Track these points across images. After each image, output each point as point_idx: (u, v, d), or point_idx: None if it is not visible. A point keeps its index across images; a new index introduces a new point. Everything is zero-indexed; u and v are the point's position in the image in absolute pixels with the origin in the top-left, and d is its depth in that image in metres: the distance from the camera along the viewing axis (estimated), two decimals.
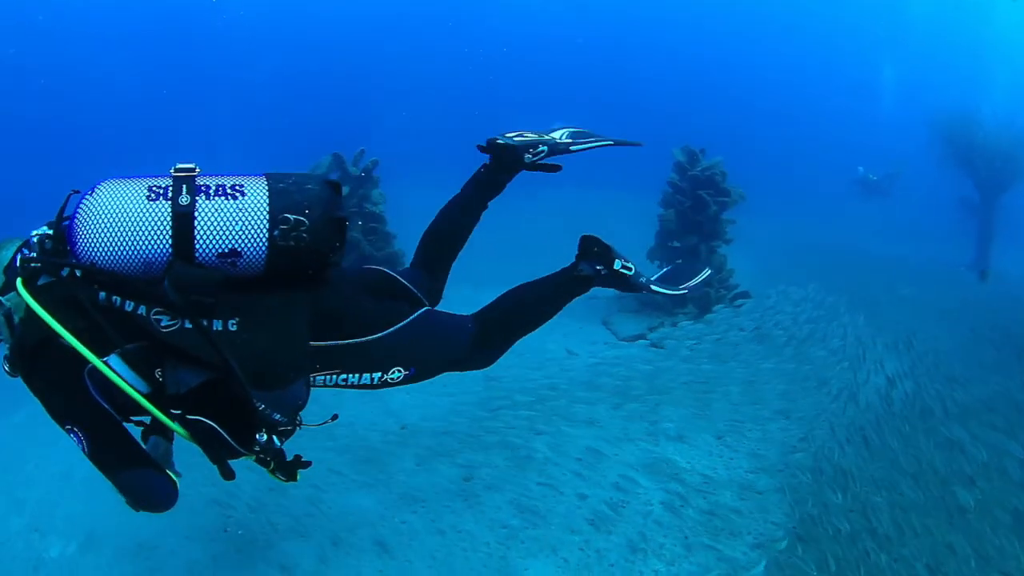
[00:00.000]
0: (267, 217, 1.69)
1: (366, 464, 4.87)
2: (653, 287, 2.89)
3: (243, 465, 2.28)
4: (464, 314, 2.34)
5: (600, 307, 7.65)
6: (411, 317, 2.09)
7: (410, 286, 2.35)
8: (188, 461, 2.35)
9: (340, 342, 1.93)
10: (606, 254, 2.62)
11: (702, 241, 7.01)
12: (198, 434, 1.78)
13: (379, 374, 2.04)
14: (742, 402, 5.58)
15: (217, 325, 1.72)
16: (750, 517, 4.13)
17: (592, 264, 2.63)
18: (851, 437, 4.90)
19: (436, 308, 2.48)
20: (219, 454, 1.85)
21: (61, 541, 4.18)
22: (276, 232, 1.68)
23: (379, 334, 2.00)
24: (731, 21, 27.89)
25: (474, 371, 3.00)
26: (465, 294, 9.19)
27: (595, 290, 10.36)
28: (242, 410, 1.76)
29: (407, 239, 7.26)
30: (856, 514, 3.96)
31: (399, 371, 2.08)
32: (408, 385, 2.33)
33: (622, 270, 2.66)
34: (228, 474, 1.95)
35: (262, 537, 4.18)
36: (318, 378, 1.99)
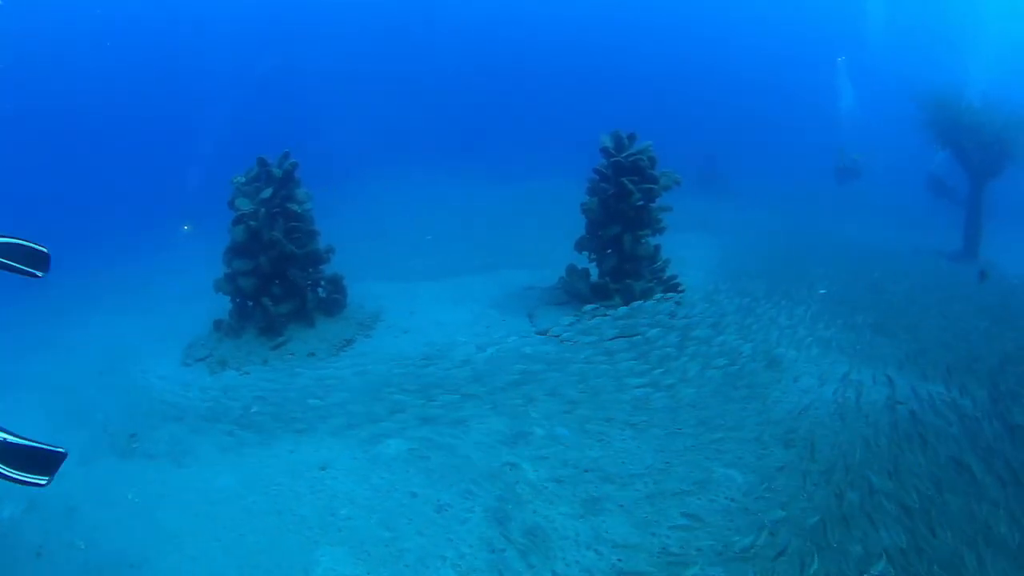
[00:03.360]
0: None
1: (245, 446, 5.29)
2: None
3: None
4: None
5: (533, 298, 7.55)
6: None
7: None
8: None
9: None
10: None
11: (626, 230, 6.64)
12: None
13: None
14: (628, 409, 5.27)
15: None
16: (576, 545, 3.88)
17: None
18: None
19: None
20: None
21: (11, 505, 4.88)
22: None
23: None
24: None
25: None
26: (426, 287, 9.45)
27: (531, 281, 10.19)
28: None
29: (329, 236, 7.56)
30: None
31: None
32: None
33: None
34: None
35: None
36: None
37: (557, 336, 6.32)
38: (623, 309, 6.38)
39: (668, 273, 7.15)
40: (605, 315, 6.37)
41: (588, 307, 6.43)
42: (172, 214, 11.46)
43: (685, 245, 9.63)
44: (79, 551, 4.34)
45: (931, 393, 5.20)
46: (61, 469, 6.14)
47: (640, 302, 6.44)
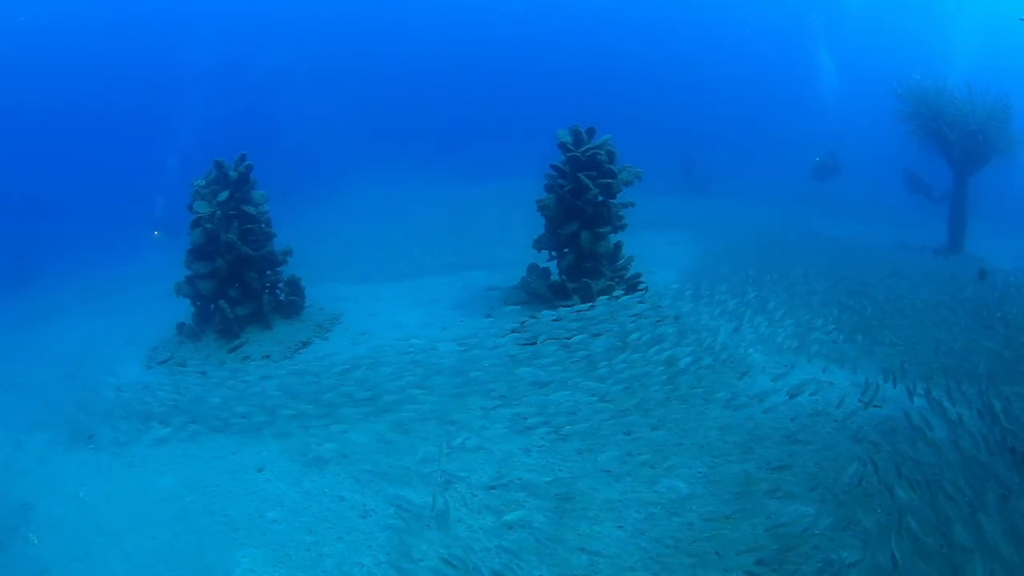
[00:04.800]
0: None
1: (192, 446, 5.32)
2: None
3: None
4: None
5: (495, 298, 7.42)
6: None
7: None
8: None
9: None
10: None
11: (584, 228, 6.48)
12: None
13: None
14: (568, 417, 4.99)
15: None
16: (480, 551, 3.74)
17: None
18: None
19: None
20: None
21: None
22: None
23: None
24: None
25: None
26: (389, 289, 9.36)
27: (495, 281, 10.01)
28: None
29: (298, 237, 7.53)
30: None
31: None
32: None
33: None
34: None
35: None
36: None
37: (513, 337, 6.18)
38: (547, 312, 6.06)
39: (632, 271, 6.99)
40: (534, 316, 6.10)
41: (508, 308, 6.26)
42: (146, 220, 11.64)
43: (661, 243, 9.42)
44: (32, 546, 4.44)
45: (919, 405, 4.74)
46: (21, 466, 6.28)
47: (575, 304, 6.18)
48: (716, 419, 4.90)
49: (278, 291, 7.15)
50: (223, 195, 6.69)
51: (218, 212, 6.67)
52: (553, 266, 7.04)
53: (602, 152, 6.48)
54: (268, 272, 6.97)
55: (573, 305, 6.47)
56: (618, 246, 6.82)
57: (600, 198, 6.53)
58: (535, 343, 5.59)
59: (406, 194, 12.51)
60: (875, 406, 4.94)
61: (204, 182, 7.06)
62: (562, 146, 6.68)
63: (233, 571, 3.91)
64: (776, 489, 4.02)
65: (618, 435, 4.77)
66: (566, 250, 6.72)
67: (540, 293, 6.73)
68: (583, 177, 6.38)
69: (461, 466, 4.62)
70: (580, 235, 6.51)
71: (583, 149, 6.51)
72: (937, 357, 5.74)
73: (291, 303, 7.04)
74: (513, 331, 5.97)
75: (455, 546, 3.89)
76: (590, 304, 6.06)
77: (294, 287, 7.07)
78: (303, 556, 4.02)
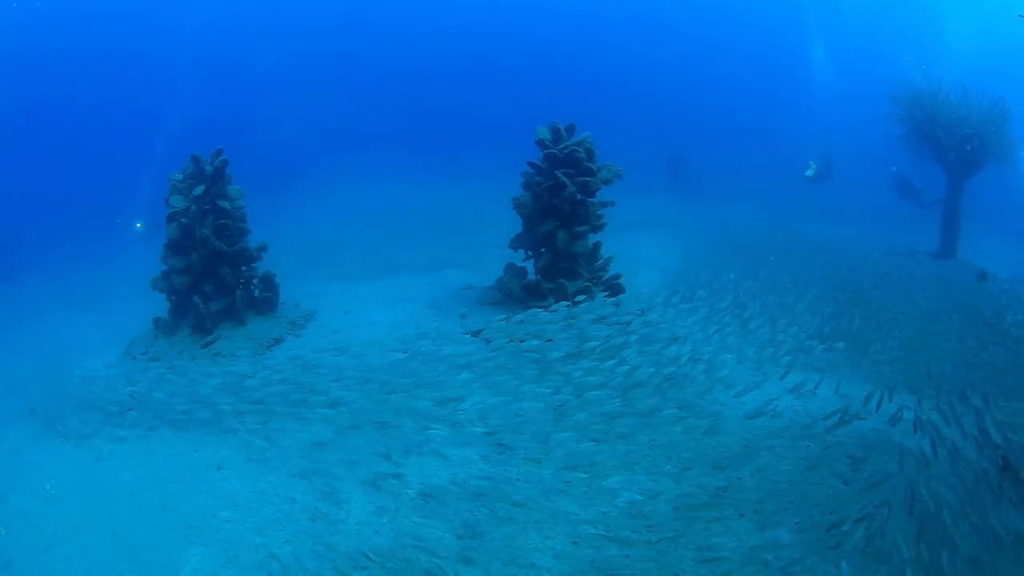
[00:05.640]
0: None
1: (157, 442, 5.32)
2: None
3: None
4: None
5: (471, 298, 7.32)
6: None
7: None
8: None
9: None
10: None
11: (561, 227, 6.35)
12: None
13: None
14: (498, 429, 4.89)
15: None
16: (441, 572, 3.62)
17: None
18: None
19: None
20: None
21: None
22: None
23: None
24: None
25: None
26: (366, 287, 9.31)
27: (472, 281, 9.90)
28: None
29: (279, 235, 7.45)
30: None
31: None
32: None
33: None
34: None
35: None
36: None
37: (478, 340, 6.06)
38: (502, 315, 5.96)
39: (612, 272, 6.86)
40: (492, 320, 5.95)
41: (463, 309, 6.12)
42: (131, 213, 11.65)
43: (647, 244, 9.26)
44: (0, 537, 4.45)
45: (908, 418, 4.46)
46: None
47: (549, 305, 6.06)
48: (676, 432, 4.74)
49: (252, 287, 7.09)
50: (199, 189, 6.64)
51: (193, 207, 6.62)
52: (530, 265, 6.93)
53: (581, 149, 6.36)
54: (242, 268, 6.92)
55: (544, 305, 6.36)
56: (597, 246, 6.71)
57: (578, 196, 6.41)
58: (489, 343, 5.47)
59: (387, 192, 12.45)
60: (860, 418, 4.74)
61: (181, 176, 7.01)
62: (540, 143, 6.57)
63: (182, 569, 3.89)
64: (745, 509, 3.88)
65: (568, 446, 4.64)
66: (543, 249, 6.60)
67: (515, 293, 6.62)
68: (560, 174, 6.27)
69: (410, 471, 4.55)
70: (557, 234, 6.39)
71: (561, 146, 6.39)
72: (930, 377, 5.40)
73: (265, 299, 6.98)
74: (465, 332, 5.87)
75: (403, 554, 3.83)
76: (551, 308, 5.91)
77: (268, 283, 7.01)
78: (251, 557, 3.98)
